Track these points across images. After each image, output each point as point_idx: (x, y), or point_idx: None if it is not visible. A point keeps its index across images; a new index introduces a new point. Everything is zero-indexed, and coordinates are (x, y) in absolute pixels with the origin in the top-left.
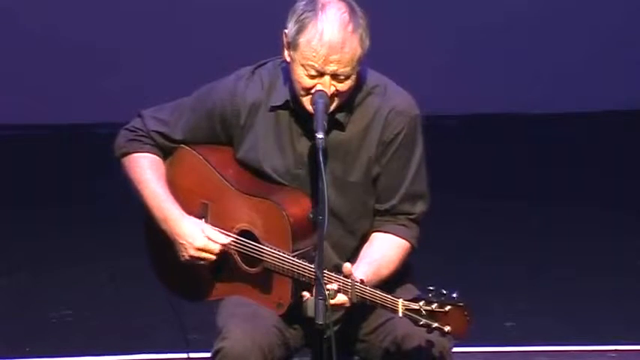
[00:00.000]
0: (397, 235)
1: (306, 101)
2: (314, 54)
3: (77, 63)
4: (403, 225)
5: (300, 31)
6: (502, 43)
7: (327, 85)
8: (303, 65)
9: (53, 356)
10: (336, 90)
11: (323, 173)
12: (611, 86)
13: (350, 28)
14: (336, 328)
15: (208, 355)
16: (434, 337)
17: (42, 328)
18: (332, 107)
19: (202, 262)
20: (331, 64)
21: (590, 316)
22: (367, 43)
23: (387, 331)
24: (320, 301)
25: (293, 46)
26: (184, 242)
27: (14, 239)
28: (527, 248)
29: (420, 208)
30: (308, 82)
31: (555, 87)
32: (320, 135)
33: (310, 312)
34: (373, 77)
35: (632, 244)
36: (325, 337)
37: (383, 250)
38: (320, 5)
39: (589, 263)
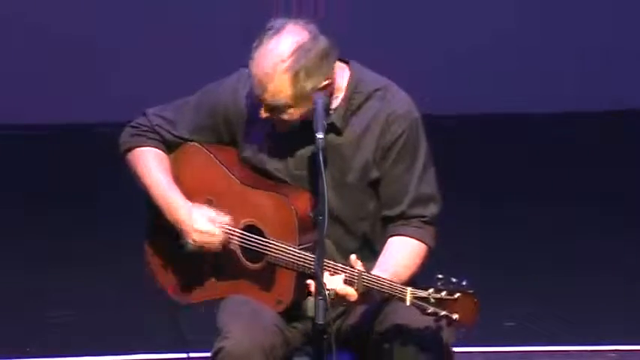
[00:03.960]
0: (412, 237)
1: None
2: (252, 78)
3: (77, 63)
4: (417, 227)
5: (255, 47)
6: (502, 42)
7: (262, 111)
8: None
9: (53, 356)
10: (273, 115)
11: (323, 173)
12: (611, 86)
13: (282, 65)
14: (336, 324)
15: (209, 355)
16: (432, 325)
17: (42, 328)
18: (280, 129)
19: (207, 249)
20: (262, 93)
21: (590, 316)
22: (308, 84)
23: (386, 325)
24: (320, 301)
25: None
26: (188, 227)
27: (14, 239)
28: (526, 248)
29: (431, 210)
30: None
31: (555, 87)
32: (320, 135)
33: (310, 312)
34: (373, 81)
35: (633, 244)
36: (325, 336)
37: (398, 256)
38: (278, 29)
39: (589, 263)
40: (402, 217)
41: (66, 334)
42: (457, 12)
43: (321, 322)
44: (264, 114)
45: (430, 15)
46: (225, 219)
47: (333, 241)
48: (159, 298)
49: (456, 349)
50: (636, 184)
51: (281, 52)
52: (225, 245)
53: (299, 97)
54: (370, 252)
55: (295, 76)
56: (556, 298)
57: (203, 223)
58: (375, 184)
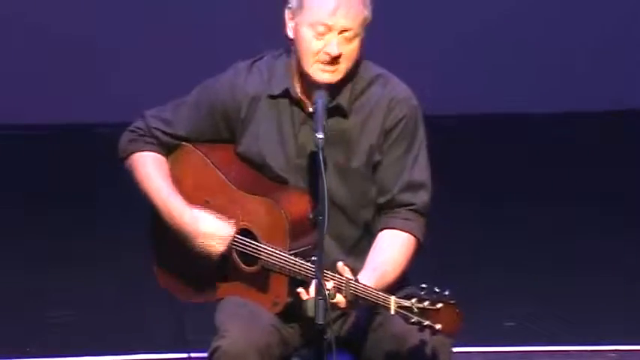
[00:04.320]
0: (401, 230)
1: (315, 70)
2: (323, 7)
3: (77, 63)
4: (406, 218)
5: None
6: (502, 42)
7: (333, 44)
8: (310, 25)
9: (53, 356)
10: (341, 54)
11: (323, 174)
12: (611, 86)
13: None
14: (335, 325)
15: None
16: (433, 335)
17: (42, 328)
18: (338, 77)
19: (213, 252)
20: (339, 18)
21: (590, 316)
22: (370, 12)
23: (387, 329)
24: (320, 301)
25: (299, 9)
26: (192, 230)
27: (14, 239)
28: (526, 248)
29: (421, 198)
30: (315, 44)
31: (555, 87)
32: (320, 135)
33: (311, 312)
34: (375, 69)
35: (633, 244)
36: (325, 337)
37: (387, 252)
38: None
39: (589, 263)
40: (392, 204)
41: (66, 334)
42: (456, 12)
43: (321, 322)
44: (336, 50)
45: (428, 15)
46: (228, 223)
47: (333, 232)
48: (159, 298)
49: (455, 349)
50: (636, 184)
51: None
52: (229, 249)
53: (366, 23)
54: (369, 243)
55: (366, 2)
56: (556, 298)
57: (208, 225)
58: (375, 169)
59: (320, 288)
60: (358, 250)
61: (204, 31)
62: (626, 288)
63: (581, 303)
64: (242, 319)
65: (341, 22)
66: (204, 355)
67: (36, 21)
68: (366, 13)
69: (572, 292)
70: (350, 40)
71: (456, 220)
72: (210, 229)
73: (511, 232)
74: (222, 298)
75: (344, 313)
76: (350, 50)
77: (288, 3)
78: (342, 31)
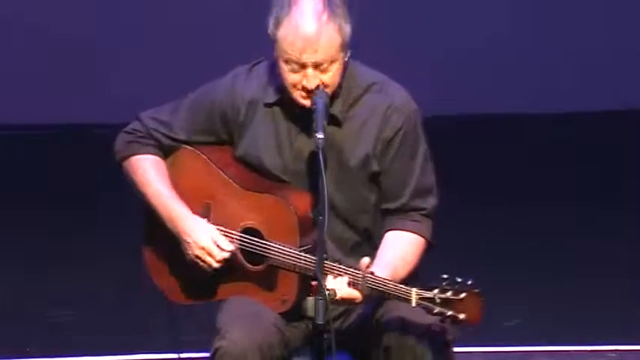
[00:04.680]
0: (411, 232)
1: (297, 96)
2: (292, 47)
3: (77, 63)
4: (416, 221)
5: (276, 25)
6: (502, 43)
7: (310, 78)
8: (285, 60)
9: (53, 356)
10: (322, 82)
11: (323, 173)
12: (611, 86)
13: (324, 17)
14: (336, 324)
15: (201, 355)
16: (432, 323)
17: (42, 328)
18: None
19: (204, 266)
20: (310, 55)
21: (590, 317)
22: (347, 30)
23: (387, 321)
24: (320, 301)
25: (274, 41)
26: (190, 240)
27: (14, 239)
28: (527, 248)
29: (430, 202)
30: (292, 77)
31: (555, 87)
32: (320, 135)
33: (310, 312)
34: (370, 75)
35: (632, 244)
36: (325, 336)
37: (397, 251)
38: None
39: (589, 263)
40: (402, 209)
41: (66, 334)
42: (456, 13)
43: (321, 322)
44: (312, 84)
45: (429, 16)
46: (226, 244)
47: (333, 238)
48: (159, 298)
49: (455, 349)
50: (636, 184)
51: (316, 8)
52: (221, 265)
53: (344, 45)
54: (370, 246)
55: (339, 25)
56: (556, 298)
57: (205, 240)
58: (375, 177)
59: (320, 288)
60: (358, 252)
61: (204, 32)
62: (625, 288)
63: (581, 303)
64: (244, 319)
65: (311, 59)
66: (195, 355)
67: (36, 21)
68: (340, 38)
69: (572, 292)
70: (326, 70)
71: (455, 220)
72: (207, 243)
73: (511, 232)
74: (224, 299)
75: (344, 312)
76: (329, 77)
77: (269, 20)
78: (315, 66)
